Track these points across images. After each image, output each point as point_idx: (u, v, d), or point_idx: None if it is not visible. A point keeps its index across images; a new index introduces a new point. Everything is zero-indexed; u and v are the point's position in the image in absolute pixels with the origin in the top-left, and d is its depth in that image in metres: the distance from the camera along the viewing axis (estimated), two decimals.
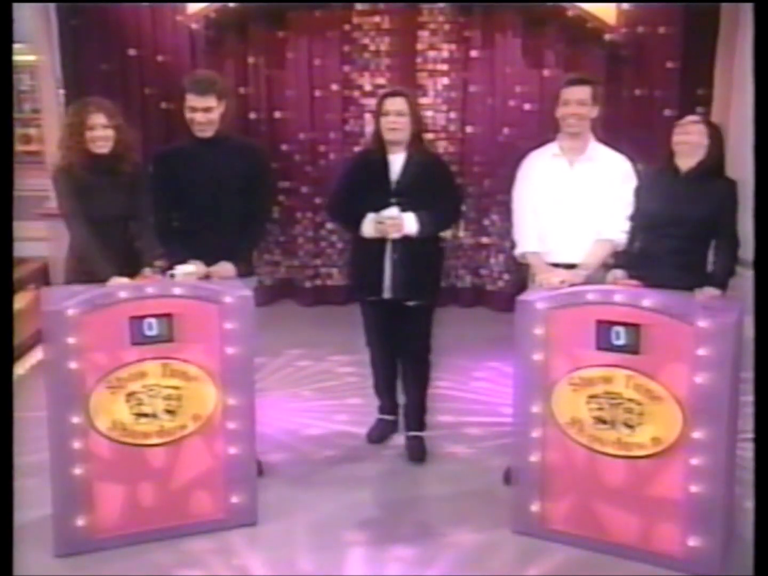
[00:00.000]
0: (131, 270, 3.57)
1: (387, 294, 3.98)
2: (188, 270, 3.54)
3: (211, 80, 3.76)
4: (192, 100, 3.67)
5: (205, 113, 3.67)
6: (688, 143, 3.50)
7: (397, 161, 3.92)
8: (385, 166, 3.92)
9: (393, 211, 3.85)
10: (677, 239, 3.47)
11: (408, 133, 3.89)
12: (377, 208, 3.86)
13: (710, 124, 3.58)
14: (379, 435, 4.35)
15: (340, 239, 6.89)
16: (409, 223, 3.84)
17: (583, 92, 3.69)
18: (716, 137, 3.52)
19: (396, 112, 3.86)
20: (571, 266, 3.68)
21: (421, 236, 3.87)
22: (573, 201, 3.72)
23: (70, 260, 3.75)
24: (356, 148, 6.30)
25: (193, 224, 3.75)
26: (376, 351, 4.26)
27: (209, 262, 3.66)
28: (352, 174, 4.09)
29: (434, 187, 3.92)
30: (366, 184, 3.94)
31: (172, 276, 3.51)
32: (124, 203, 3.68)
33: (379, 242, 3.90)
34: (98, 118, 3.59)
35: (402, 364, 4.20)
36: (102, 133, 3.59)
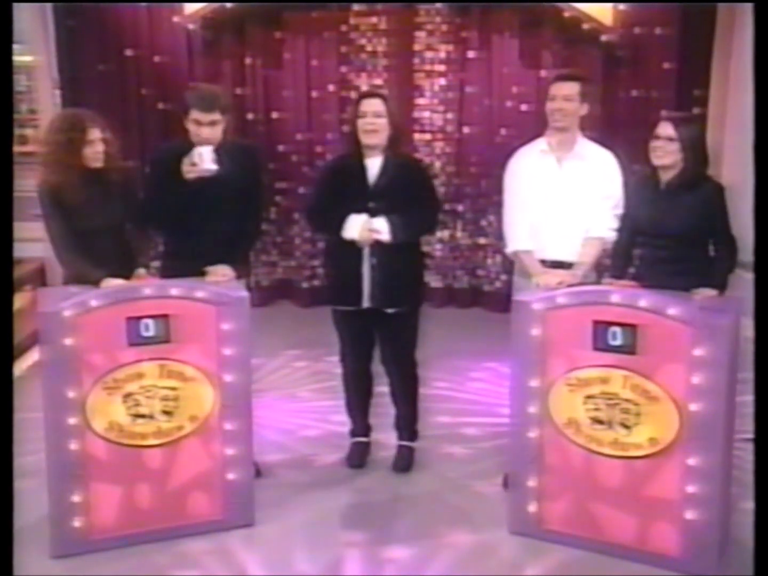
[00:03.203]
0: (128, 276, 3.54)
1: (366, 303, 3.83)
2: None
3: (215, 95, 3.72)
4: (197, 114, 3.62)
5: (210, 127, 3.64)
6: (663, 166, 3.49)
7: (374, 165, 3.79)
8: (362, 170, 3.79)
9: (381, 222, 3.74)
10: (667, 249, 3.48)
11: (385, 136, 3.77)
12: (355, 213, 3.74)
13: (684, 132, 3.45)
14: (360, 458, 4.13)
15: None
16: (384, 229, 3.73)
17: (569, 88, 3.70)
18: (691, 147, 3.45)
19: (373, 113, 3.75)
20: (561, 263, 3.70)
21: (395, 242, 3.75)
22: (561, 199, 3.72)
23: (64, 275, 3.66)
24: None
25: (191, 229, 3.69)
26: (352, 366, 4.09)
27: (206, 265, 3.62)
28: (329, 178, 3.98)
29: (412, 191, 3.81)
30: (343, 189, 3.81)
31: None
32: (118, 212, 3.64)
33: (357, 248, 3.78)
34: (95, 133, 3.53)
35: (388, 377, 4.07)
36: (100, 148, 3.55)
